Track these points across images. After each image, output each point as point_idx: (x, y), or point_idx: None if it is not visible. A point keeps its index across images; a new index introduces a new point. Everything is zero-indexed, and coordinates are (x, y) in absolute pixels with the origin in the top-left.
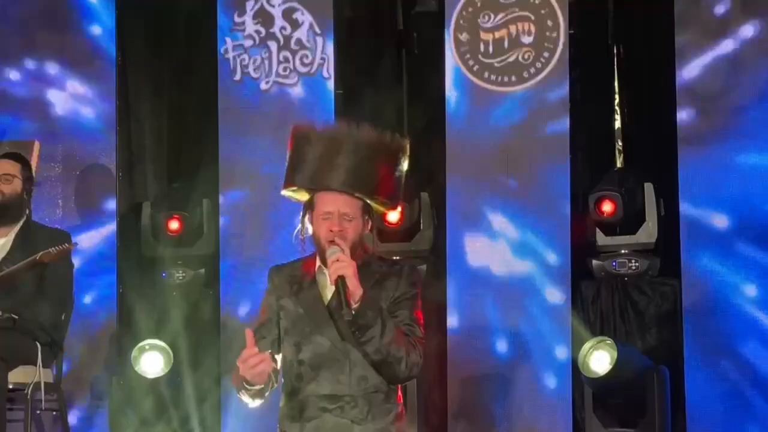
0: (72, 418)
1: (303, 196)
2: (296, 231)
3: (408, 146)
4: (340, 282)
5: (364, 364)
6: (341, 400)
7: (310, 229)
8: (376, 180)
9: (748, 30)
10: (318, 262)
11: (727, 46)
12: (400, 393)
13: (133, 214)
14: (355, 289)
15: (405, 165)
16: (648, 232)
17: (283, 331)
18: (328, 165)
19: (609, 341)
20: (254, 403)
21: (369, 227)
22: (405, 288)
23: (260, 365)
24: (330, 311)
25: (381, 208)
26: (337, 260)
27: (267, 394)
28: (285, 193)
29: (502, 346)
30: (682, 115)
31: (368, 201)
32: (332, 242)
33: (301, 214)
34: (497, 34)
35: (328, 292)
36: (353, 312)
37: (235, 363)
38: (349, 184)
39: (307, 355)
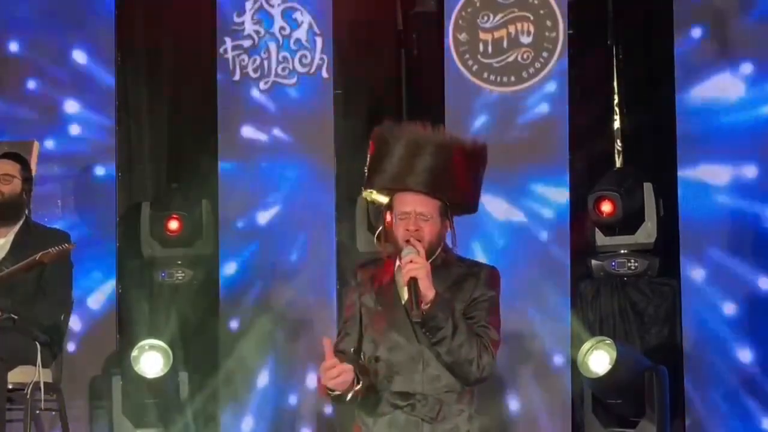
0: (71, 419)
1: (384, 198)
2: (377, 232)
3: (486, 150)
4: (412, 284)
5: (437, 364)
6: (413, 398)
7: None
8: (454, 182)
9: (746, 29)
10: (398, 262)
11: (726, 45)
12: (475, 394)
13: (133, 214)
14: (427, 290)
15: (483, 169)
16: (647, 232)
17: (363, 328)
18: (407, 166)
19: (608, 341)
20: (349, 402)
21: (448, 228)
22: (482, 290)
23: (341, 376)
24: (406, 311)
25: (459, 211)
26: (411, 261)
27: (356, 393)
28: (365, 195)
29: (501, 345)
30: (682, 115)
31: (446, 202)
32: (408, 242)
33: (382, 215)
34: (496, 35)
35: (406, 291)
36: (423, 314)
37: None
38: (425, 185)
39: (384, 352)
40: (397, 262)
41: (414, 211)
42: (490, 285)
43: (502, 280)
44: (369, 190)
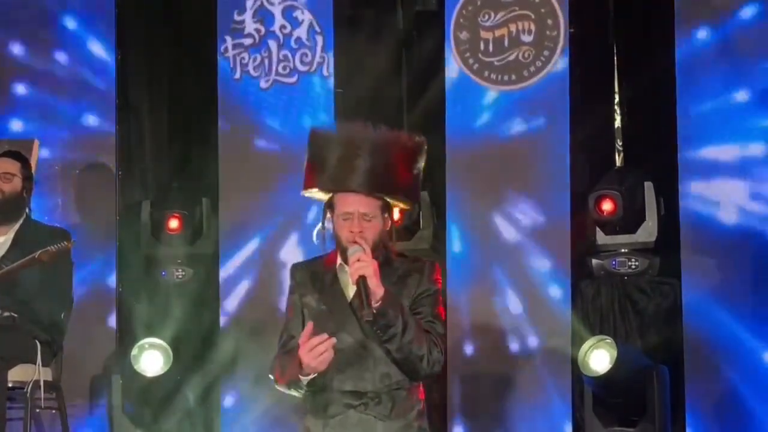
0: (71, 417)
1: (323, 196)
2: (317, 229)
3: (425, 145)
4: (362, 282)
5: (386, 361)
6: (365, 396)
7: (330, 228)
8: (394, 179)
9: (747, 29)
10: (339, 260)
11: (726, 44)
12: (422, 389)
13: (133, 213)
14: (376, 288)
15: (422, 163)
16: (648, 231)
17: None
18: (347, 167)
19: (609, 340)
20: (299, 394)
21: (389, 225)
22: (426, 285)
23: (327, 353)
24: (353, 309)
25: (400, 205)
26: (358, 260)
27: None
28: (305, 193)
29: (503, 344)
30: (683, 114)
31: (387, 199)
32: (354, 242)
33: (323, 213)
34: (497, 33)
35: (351, 289)
36: (374, 311)
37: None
38: (367, 185)
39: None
40: (338, 260)
41: (357, 212)
42: (434, 279)
43: (502, 278)
44: (309, 190)
